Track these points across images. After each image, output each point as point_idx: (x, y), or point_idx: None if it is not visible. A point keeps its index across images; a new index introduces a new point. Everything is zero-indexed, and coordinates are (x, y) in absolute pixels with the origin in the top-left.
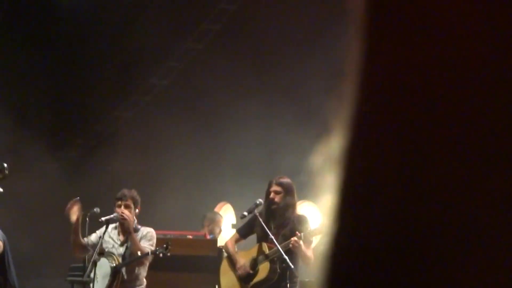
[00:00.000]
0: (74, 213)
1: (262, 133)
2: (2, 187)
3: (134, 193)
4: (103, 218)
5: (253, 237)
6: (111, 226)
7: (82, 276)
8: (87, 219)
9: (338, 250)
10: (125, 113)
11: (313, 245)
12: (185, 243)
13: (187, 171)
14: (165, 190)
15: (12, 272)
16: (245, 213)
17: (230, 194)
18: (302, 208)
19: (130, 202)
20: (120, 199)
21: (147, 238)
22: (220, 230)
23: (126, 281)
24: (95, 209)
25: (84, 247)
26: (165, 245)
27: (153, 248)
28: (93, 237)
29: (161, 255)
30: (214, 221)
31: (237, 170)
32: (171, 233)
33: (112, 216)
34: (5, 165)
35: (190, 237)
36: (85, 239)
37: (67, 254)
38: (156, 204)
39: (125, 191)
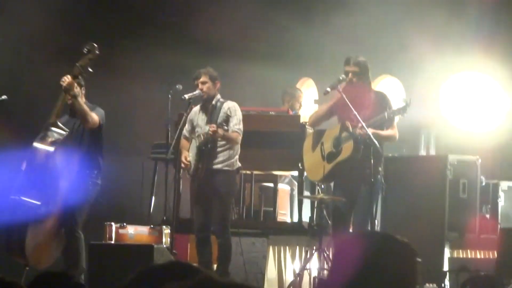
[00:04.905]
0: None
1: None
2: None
3: (209, 69)
4: (186, 96)
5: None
6: (199, 110)
7: (165, 154)
8: (170, 96)
9: None
10: None
11: (396, 121)
12: (268, 119)
13: (266, 44)
14: (245, 65)
15: None
16: (328, 89)
17: (311, 69)
18: (383, 82)
19: (206, 78)
20: (196, 77)
21: (235, 117)
22: (300, 106)
23: (210, 160)
24: (177, 86)
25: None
26: None
27: (241, 127)
28: (186, 132)
29: None
30: (294, 97)
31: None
32: (253, 109)
33: (194, 92)
34: (95, 45)
35: (273, 113)
36: (186, 135)
37: (151, 131)
38: (236, 79)
39: (200, 70)
